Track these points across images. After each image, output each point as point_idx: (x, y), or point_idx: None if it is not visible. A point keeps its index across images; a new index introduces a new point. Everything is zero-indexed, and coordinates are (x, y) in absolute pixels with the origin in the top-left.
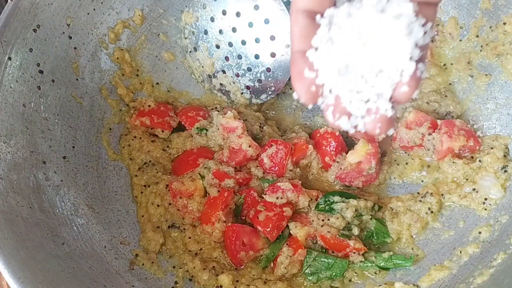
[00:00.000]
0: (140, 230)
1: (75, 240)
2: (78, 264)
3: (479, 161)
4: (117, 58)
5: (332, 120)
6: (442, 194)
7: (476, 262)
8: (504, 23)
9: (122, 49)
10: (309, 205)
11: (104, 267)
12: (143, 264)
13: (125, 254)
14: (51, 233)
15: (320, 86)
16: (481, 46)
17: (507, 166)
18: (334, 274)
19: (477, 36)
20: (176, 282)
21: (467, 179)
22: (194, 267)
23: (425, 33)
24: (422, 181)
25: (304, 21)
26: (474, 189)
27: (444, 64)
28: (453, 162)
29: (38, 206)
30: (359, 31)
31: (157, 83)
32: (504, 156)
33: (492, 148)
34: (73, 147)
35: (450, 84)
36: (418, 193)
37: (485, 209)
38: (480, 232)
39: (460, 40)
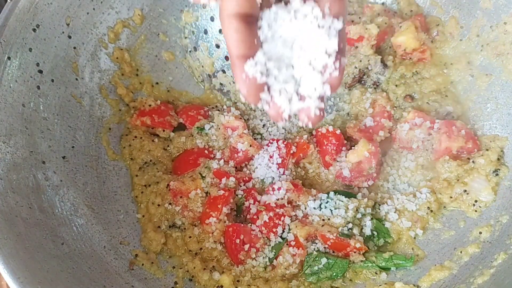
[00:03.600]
0: (141, 230)
1: (75, 240)
2: (77, 264)
3: (473, 162)
4: (117, 58)
5: (273, 114)
6: (435, 193)
7: (477, 262)
8: (505, 23)
9: (121, 49)
10: (309, 205)
11: (103, 267)
12: (142, 264)
13: (124, 254)
14: (51, 233)
15: (263, 85)
16: (482, 46)
17: (499, 169)
18: (334, 274)
19: (478, 35)
20: (176, 282)
21: (458, 180)
22: (194, 267)
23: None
24: (421, 180)
25: (238, 26)
26: (465, 190)
27: (445, 64)
28: (448, 163)
29: (37, 206)
30: (288, 33)
31: (157, 83)
32: (498, 159)
33: (487, 149)
34: (73, 147)
35: (451, 83)
36: (418, 192)
37: (476, 211)
38: (480, 232)
39: (461, 40)
